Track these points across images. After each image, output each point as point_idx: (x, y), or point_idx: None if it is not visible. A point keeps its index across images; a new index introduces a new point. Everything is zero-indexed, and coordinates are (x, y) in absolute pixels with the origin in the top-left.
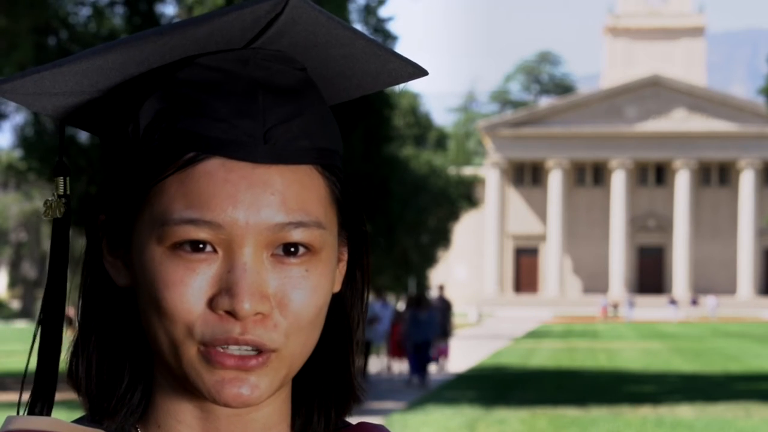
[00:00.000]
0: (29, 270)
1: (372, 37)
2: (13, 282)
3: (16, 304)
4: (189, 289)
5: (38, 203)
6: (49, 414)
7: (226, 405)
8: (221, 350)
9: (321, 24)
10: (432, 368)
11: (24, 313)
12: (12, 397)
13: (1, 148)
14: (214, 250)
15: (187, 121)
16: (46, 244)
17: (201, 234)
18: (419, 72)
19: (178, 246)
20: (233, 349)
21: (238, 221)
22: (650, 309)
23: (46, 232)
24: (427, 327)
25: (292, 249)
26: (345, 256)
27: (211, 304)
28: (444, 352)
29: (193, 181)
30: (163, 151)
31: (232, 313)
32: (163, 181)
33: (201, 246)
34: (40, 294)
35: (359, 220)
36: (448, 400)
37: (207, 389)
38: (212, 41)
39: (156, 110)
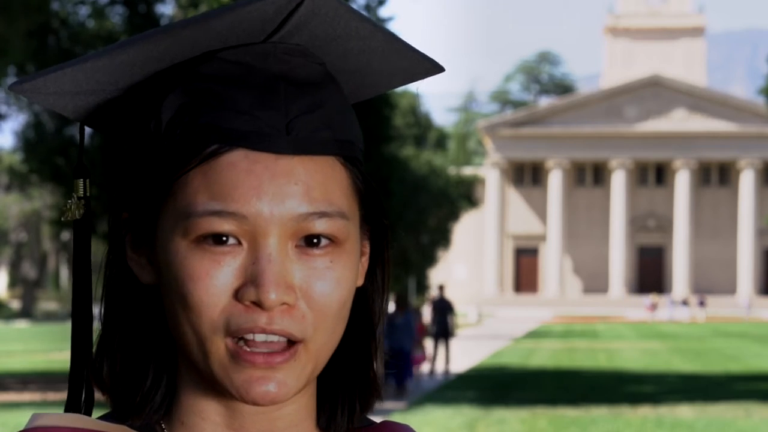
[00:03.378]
0: (29, 270)
1: (391, 30)
2: (13, 282)
3: (16, 304)
4: (215, 282)
5: (38, 203)
6: (89, 413)
7: (255, 403)
8: (248, 349)
9: (341, 15)
10: (437, 370)
11: (24, 313)
12: (12, 397)
13: (1, 148)
14: (239, 242)
15: (209, 115)
16: (46, 244)
17: (225, 226)
18: (436, 68)
19: (202, 239)
20: (260, 338)
21: (262, 212)
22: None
23: (46, 232)
24: (403, 333)
25: (315, 240)
26: (367, 250)
27: (237, 295)
28: (419, 361)
29: (216, 173)
30: (185, 145)
31: (258, 304)
32: (186, 174)
33: (224, 239)
34: (40, 294)
35: (381, 213)
36: (448, 400)
37: (235, 388)
38: (233, 35)
39: (178, 105)
